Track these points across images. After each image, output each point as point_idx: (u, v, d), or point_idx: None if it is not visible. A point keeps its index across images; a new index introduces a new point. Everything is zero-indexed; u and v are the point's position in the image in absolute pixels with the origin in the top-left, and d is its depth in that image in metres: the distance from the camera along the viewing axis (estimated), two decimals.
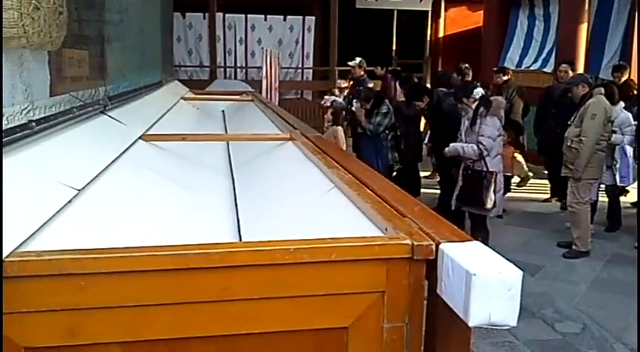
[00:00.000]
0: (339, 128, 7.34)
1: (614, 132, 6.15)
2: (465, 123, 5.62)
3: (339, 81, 9.20)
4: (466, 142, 5.53)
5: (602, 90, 5.89)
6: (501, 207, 5.92)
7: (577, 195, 5.81)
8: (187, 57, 12.32)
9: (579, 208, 5.82)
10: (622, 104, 6.34)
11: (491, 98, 5.77)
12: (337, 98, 8.60)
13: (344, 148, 7.08)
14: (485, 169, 5.38)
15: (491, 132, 5.41)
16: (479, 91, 5.61)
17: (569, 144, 5.74)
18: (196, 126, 3.62)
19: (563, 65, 7.89)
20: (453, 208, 5.67)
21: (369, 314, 1.13)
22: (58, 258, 1.00)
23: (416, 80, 8.28)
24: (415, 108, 7.13)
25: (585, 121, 5.59)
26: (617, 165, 6.31)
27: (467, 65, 8.49)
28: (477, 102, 5.49)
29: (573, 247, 5.85)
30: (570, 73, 7.52)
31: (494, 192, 5.37)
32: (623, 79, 7.56)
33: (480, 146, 5.36)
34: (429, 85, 11.24)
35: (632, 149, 6.28)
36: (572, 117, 5.87)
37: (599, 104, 5.67)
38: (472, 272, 1.00)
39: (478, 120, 5.43)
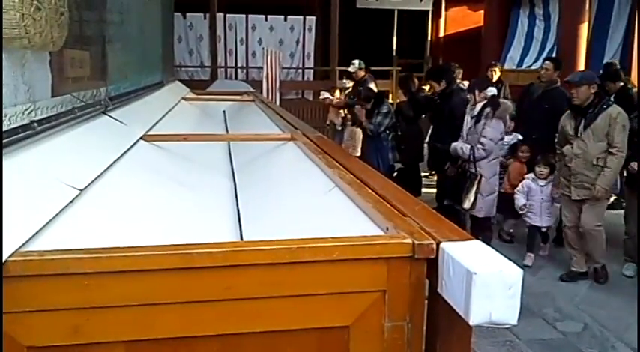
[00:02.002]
0: (358, 129, 7.30)
1: None
2: (469, 121, 5.66)
3: (343, 81, 9.19)
4: (467, 140, 5.58)
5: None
6: (492, 210, 5.72)
7: (598, 216, 5.10)
8: (188, 57, 12.32)
9: (599, 231, 5.12)
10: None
11: (500, 101, 5.78)
12: (329, 95, 8.66)
13: (358, 150, 7.08)
14: (472, 170, 5.47)
15: (494, 135, 5.45)
16: (492, 90, 5.63)
17: (595, 162, 4.92)
18: (197, 126, 3.63)
19: (547, 62, 6.99)
20: (445, 204, 5.74)
21: (371, 313, 1.13)
22: (60, 258, 1.00)
23: (416, 81, 8.25)
24: (424, 98, 7.11)
25: (617, 134, 4.87)
26: None
27: (456, 64, 8.45)
28: (485, 102, 5.53)
29: (598, 268, 5.23)
30: (553, 73, 6.75)
31: (479, 194, 5.43)
32: None
33: (480, 146, 5.40)
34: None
35: None
36: (578, 127, 5.05)
37: (623, 113, 4.99)
38: (473, 271, 1.01)
39: (483, 121, 5.47)
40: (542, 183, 5.57)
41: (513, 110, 6.46)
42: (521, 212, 5.64)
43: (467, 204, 5.47)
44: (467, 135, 5.63)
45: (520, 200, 5.59)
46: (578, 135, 5.00)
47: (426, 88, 8.56)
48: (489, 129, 5.43)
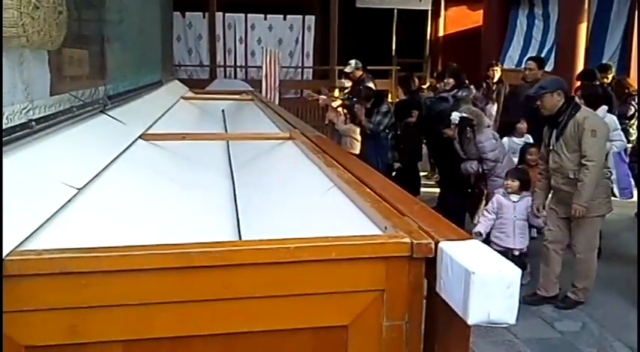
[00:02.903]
0: (357, 128, 7.30)
1: None
2: (457, 147, 5.74)
3: (342, 80, 9.20)
4: (466, 154, 5.66)
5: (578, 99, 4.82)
6: None
7: (592, 237, 4.56)
8: (187, 56, 12.31)
9: (591, 256, 4.57)
10: (605, 107, 5.45)
11: (469, 112, 5.74)
12: (323, 96, 8.70)
13: (357, 149, 7.08)
14: (481, 187, 5.57)
15: (491, 145, 5.52)
16: (455, 117, 5.59)
17: (572, 176, 4.40)
18: (196, 125, 3.62)
19: (530, 62, 6.82)
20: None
21: (369, 313, 1.13)
22: (58, 257, 1.00)
23: (416, 80, 8.25)
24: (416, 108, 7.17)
25: (585, 141, 4.30)
26: (614, 176, 5.05)
27: (454, 64, 8.45)
28: (458, 127, 5.58)
29: (571, 296, 4.65)
30: (537, 72, 6.67)
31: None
32: (610, 77, 7.45)
33: (487, 161, 5.47)
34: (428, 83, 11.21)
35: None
36: (550, 139, 4.57)
37: (594, 117, 4.50)
38: (471, 271, 1.01)
39: (472, 141, 5.52)
40: (514, 198, 4.86)
41: (493, 111, 6.45)
42: (478, 237, 4.58)
43: (475, 219, 5.44)
44: (464, 153, 5.68)
45: (481, 225, 4.88)
46: (552, 147, 4.53)
47: (425, 86, 8.56)
48: (482, 145, 5.50)
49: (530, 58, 7.32)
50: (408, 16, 14.93)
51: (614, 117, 5.45)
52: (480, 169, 5.52)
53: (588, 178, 4.28)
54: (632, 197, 5.35)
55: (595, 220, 4.51)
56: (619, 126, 5.35)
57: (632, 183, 5.16)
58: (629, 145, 6.21)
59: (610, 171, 4.91)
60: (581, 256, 4.56)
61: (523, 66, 10.45)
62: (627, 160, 5.18)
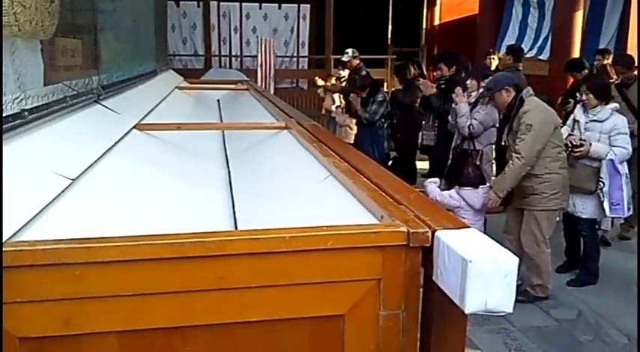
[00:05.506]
0: (353, 120, 7.29)
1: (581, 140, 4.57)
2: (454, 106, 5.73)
3: (338, 70, 9.16)
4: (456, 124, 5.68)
5: (532, 91, 4.48)
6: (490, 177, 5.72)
7: (537, 231, 4.39)
8: (182, 46, 12.26)
9: (540, 251, 4.44)
10: (614, 105, 4.74)
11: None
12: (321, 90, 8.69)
13: (352, 138, 7.07)
14: (472, 148, 5.55)
15: (485, 120, 5.51)
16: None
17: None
18: (191, 115, 3.61)
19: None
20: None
21: (366, 302, 1.13)
22: (52, 248, 0.99)
23: (412, 69, 8.20)
24: (411, 97, 7.14)
25: (519, 135, 4.25)
26: (605, 188, 4.48)
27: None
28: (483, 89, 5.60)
29: (529, 291, 4.54)
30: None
31: (481, 165, 5.46)
32: (605, 62, 7.11)
33: (470, 127, 5.49)
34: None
35: (626, 165, 4.56)
36: (503, 134, 4.62)
37: (535, 111, 4.30)
38: (468, 259, 1.00)
39: (478, 106, 5.53)
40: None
41: None
42: None
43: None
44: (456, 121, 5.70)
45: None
46: (503, 143, 4.57)
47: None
48: (478, 114, 5.53)
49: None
50: (404, 5, 14.88)
51: (625, 119, 4.74)
52: (469, 134, 5.56)
53: (510, 170, 4.27)
54: (624, 215, 4.74)
55: (541, 215, 4.36)
56: (627, 130, 4.66)
57: (626, 200, 4.51)
58: None
59: (602, 182, 4.52)
60: (528, 251, 4.43)
61: (528, 54, 10.48)
62: (623, 171, 4.50)
